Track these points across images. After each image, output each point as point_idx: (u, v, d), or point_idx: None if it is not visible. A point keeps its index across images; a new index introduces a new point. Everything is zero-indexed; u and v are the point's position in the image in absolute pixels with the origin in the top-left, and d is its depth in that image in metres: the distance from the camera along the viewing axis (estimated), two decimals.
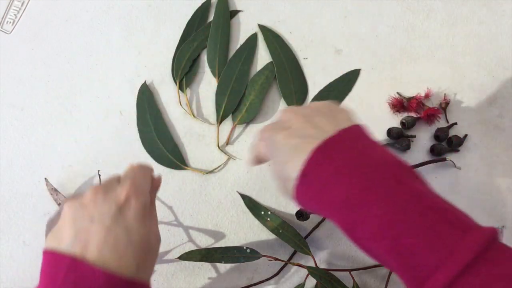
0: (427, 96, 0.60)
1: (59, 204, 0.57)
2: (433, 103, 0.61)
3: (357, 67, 0.63)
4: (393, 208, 0.33)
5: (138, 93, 0.62)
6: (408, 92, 0.61)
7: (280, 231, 0.56)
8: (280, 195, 0.42)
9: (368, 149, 0.36)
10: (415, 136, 0.60)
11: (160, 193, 0.59)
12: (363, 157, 0.35)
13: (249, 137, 0.61)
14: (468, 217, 0.34)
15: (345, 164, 0.35)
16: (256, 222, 0.58)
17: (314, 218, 0.57)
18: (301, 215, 0.56)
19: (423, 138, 0.60)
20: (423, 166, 0.58)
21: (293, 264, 0.56)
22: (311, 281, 0.54)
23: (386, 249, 0.33)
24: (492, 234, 0.32)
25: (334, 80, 0.62)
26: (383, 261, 0.35)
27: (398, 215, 0.32)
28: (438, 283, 0.31)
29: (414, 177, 0.35)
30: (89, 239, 0.36)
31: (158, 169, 0.60)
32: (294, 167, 0.36)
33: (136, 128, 0.61)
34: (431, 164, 0.59)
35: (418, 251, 0.32)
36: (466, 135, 0.60)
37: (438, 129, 0.59)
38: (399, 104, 0.60)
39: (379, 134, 0.61)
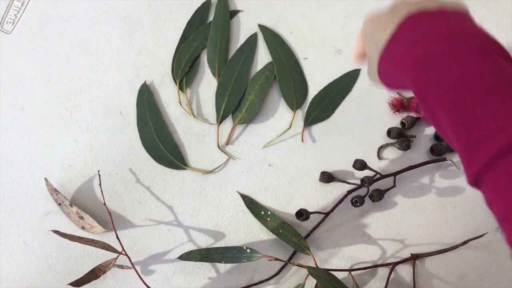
0: None
1: (59, 204, 0.57)
2: None
3: (357, 67, 0.63)
4: (469, 73, 0.33)
5: (138, 93, 0.62)
6: (408, 92, 0.61)
7: (280, 231, 0.56)
8: (370, 78, 0.42)
9: (465, 24, 0.37)
10: (415, 136, 0.60)
11: (160, 193, 0.59)
12: (457, 26, 0.36)
13: (249, 137, 0.61)
14: None
15: (435, 31, 0.35)
16: (256, 222, 0.58)
17: (314, 218, 0.57)
18: (301, 215, 0.56)
19: (423, 138, 0.60)
20: (423, 166, 0.58)
21: (293, 264, 0.56)
22: (311, 281, 0.54)
23: (451, 111, 0.33)
24: None
25: (334, 80, 0.62)
26: (440, 127, 0.35)
27: (473, 80, 0.33)
28: (495, 145, 0.31)
29: (501, 52, 0.36)
30: None
31: (158, 169, 0.60)
32: (385, 33, 0.37)
33: (136, 128, 0.61)
34: (431, 164, 0.59)
35: (481, 117, 0.32)
36: None
37: None
38: (399, 104, 0.60)
39: (379, 134, 0.61)
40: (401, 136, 0.59)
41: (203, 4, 0.65)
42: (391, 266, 0.56)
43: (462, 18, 0.38)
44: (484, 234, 0.56)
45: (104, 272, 0.54)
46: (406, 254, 0.58)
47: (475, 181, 0.34)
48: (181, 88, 0.62)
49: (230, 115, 0.61)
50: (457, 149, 0.35)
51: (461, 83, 0.33)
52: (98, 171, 0.58)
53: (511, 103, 0.32)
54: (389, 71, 0.39)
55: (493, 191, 0.33)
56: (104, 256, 0.56)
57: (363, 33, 0.43)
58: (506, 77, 0.33)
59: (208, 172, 0.59)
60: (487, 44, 0.35)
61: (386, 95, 0.61)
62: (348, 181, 0.58)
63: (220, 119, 0.61)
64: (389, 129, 0.60)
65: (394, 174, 0.58)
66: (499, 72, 0.33)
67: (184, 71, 0.62)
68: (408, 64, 0.35)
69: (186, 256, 0.55)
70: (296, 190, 0.59)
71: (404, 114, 0.61)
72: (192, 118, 0.61)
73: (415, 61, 0.35)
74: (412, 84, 0.36)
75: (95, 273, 0.54)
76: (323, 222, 0.57)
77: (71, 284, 0.54)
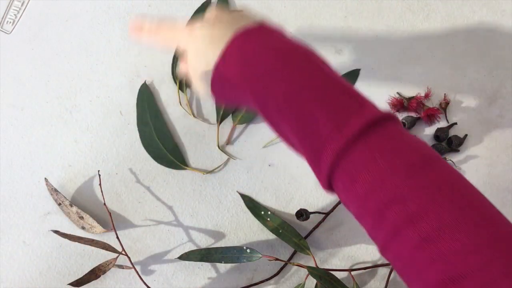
0: (427, 96, 0.60)
1: (59, 204, 0.57)
2: (433, 103, 0.61)
3: (357, 67, 0.63)
4: (300, 79, 0.35)
5: (138, 93, 0.62)
6: (408, 92, 0.61)
7: (280, 231, 0.56)
8: (199, 91, 0.43)
9: (287, 39, 0.39)
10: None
11: (160, 193, 0.59)
12: (281, 42, 0.38)
13: (249, 137, 0.61)
14: (370, 101, 0.35)
15: (263, 47, 0.37)
16: (256, 222, 0.58)
17: (314, 218, 0.57)
18: (301, 215, 0.56)
19: (423, 138, 0.60)
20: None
21: (293, 264, 0.56)
22: (311, 281, 0.54)
23: (291, 120, 0.35)
24: (389, 114, 0.34)
25: None
26: (288, 139, 0.37)
27: (305, 85, 0.35)
28: (333, 149, 0.32)
29: (323, 61, 0.37)
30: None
31: (158, 169, 0.60)
32: (215, 51, 0.38)
33: (136, 128, 0.61)
34: None
35: (318, 117, 0.33)
36: (466, 135, 0.60)
37: (438, 129, 0.59)
38: (399, 104, 0.60)
39: None
40: None
41: (203, 4, 0.65)
42: (391, 266, 0.56)
43: (281, 32, 0.39)
44: None
45: (104, 272, 0.54)
46: None
47: (328, 186, 0.35)
48: (181, 88, 0.62)
49: (230, 115, 0.61)
50: (305, 157, 0.36)
51: (294, 91, 0.35)
52: (98, 171, 0.58)
53: (344, 102, 0.34)
54: (223, 89, 0.40)
55: (343, 192, 0.34)
56: (104, 256, 0.56)
57: (188, 46, 0.42)
58: (333, 79, 0.35)
59: (208, 172, 0.59)
60: (310, 53, 0.37)
61: (386, 95, 0.61)
62: None
63: (220, 119, 0.61)
64: None
65: None
66: (326, 76, 0.35)
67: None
68: (244, 83, 0.37)
69: (186, 256, 0.55)
70: (296, 190, 0.59)
71: (404, 114, 0.61)
72: (192, 118, 0.61)
73: (250, 79, 0.36)
74: (253, 100, 0.37)
75: (95, 273, 0.54)
76: (323, 222, 0.57)
77: (71, 284, 0.54)
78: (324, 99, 0.34)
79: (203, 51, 0.40)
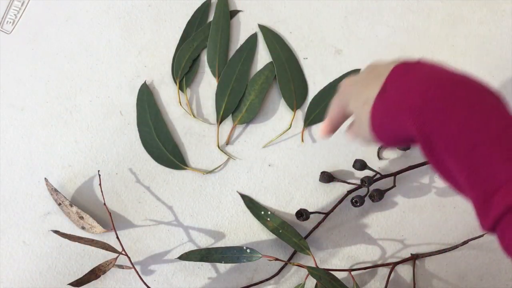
0: None
1: (59, 204, 0.57)
2: None
3: (357, 67, 0.63)
4: (472, 117, 0.32)
5: (138, 93, 0.62)
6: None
7: (280, 231, 0.56)
8: (363, 139, 0.43)
9: (450, 69, 0.36)
10: None
11: (160, 193, 0.59)
12: (445, 71, 0.35)
13: (249, 137, 0.61)
14: None
15: (427, 74, 0.35)
16: (256, 222, 0.58)
17: (314, 218, 0.57)
18: (301, 215, 0.56)
19: None
20: (423, 166, 0.58)
21: (293, 264, 0.56)
22: (311, 281, 0.54)
23: (459, 161, 0.32)
24: None
25: (334, 80, 0.62)
26: (450, 177, 0.35)
27: (477, 125, 0.32)
28: (509, 194, 0.30)
29: (495, 96, 0.34)
30: None
31: (158, 169, 0.60)
32: (374, 89, 0.37)
33: (136, 128, 0.61)
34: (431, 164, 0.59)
35: (492, 162, 0.31)
36: None
37: None
38: None
39: None
40: None
41: (203, 4, 0.65)
42: (391, 266, 0.56)
43: (441, 66, 0.37)
44: (484, 234, 0.56)
45: (104, 272, 0.54)
46: (406, 254, 0.58)
47: (492, 228, 0.33)
48: (181, 88, 0.62)
49: (230, 115, 0.61)
50: (471, 196, 0.34)
51: (468, 128, 0.32)
52: (98, 171, 0.58)
53: None
54: (384, 124, 0.37)
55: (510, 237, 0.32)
56: (104, 256, 0.56)
57: (342, 96, 0.42)
58: (505, 117, 0.33)
59: (208, 172, 0.59)
60: (477, 85, 0.34)
61: None
62: (348, 181, 0.58)
63: (220, 119, 0.61)
64: None
65: (394, 174, 0.58)
66: (502, 116, 0.33)
67: (184, 71, 0.62)
68: (407, 113, 0.34)
69: (186, 256, 0.55)
70: (296, 190, 0.59)
71: None
72: (192, 118, 0.61)
73: (413, 109, 0.34)
74: (417, 133, 0.34)
75: (95, 273, 0.54)
76: (323, 222, 0.57)
77: (71, 284, 0.54)
78: (500, 145, 0.32)
79: (362, 92, 0.39)
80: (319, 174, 0.59)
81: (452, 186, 0.36)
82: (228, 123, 0.61)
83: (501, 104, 0.34)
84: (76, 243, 0.54)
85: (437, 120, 0.33)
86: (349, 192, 0.58)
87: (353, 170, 0.58)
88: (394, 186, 0.57)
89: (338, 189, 0.59)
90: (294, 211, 0.57)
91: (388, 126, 0.37)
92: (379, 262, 0.57)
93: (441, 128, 0.33)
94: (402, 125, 0.35)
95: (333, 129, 0.45)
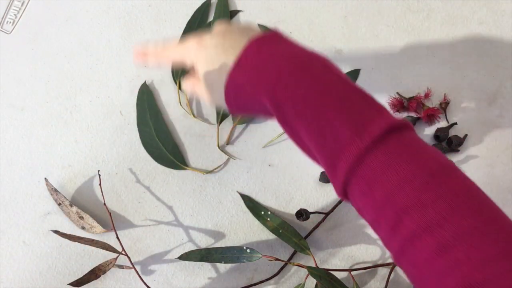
0: (427, 96, 0.60)
1: (59, 204, 0.57)
2: (433, 103, 0.61)
3: (357, 67, 0.63)
4: (319, 85, 0.35)
5: (138, 93, 0.62)
6: (408, 92, 0.61)
7: (280, 231, 0.56)
8: (211, 102, 0.45)
9: (302, 46, 0.40)
10: None
11: (160, 193, 0.59)
12: (297, 48, 0.39)
13: (249, 137, 0.61)
14: (386, 108, 0.36)
15: (280, 52, 0.37)
16: (256, 222, 0.58)
17: (314, 218, 0.57)
18: (301, 215, 0.56)
19: (423, 138, 0.60)
20: None
21: (293, 264, 0.56)
22: (311, 281, 0.54)
23: (309, 126, 0.35)
24: (407, 122, 0.34)
25: None
26: (303, 144, 0.37)
27: (323, 91, 0.35)
28: (352, 154, 0.33)
29: (339, 69, 0.38)
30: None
31: (158, 169, 0.60)
32: (228, 58, 0.39)
33: (136, 128, 0.61)
34: None
35: (337, 124, 0.33)
36: (466, 135, 0.60)
37: (438, 129, 0.59)
38: (399, 104, 0.60)
39: None
40: None
41: (203, 4, 0.65)
42: (391, 266, 0.56)
43: (294, 41, 0.40)
44: None
45: (104, 272, 0.54)
46: None
47: (343, 192, 0.35)
48: (181, 88, 0.62)
49: (230, 115, 0.61)
50: (321, 163, 0.36)
51: (313, 96, 0.35)
52: (98, 171, 0.58)
53: (363, 109, 0.34)
54: (237, 97, 0.40)
55: (360, 198, 0.34)
56: (104, 256, 0.56)
57: (194, 50, 0.43)
58: (350, 86, 0.36)
59: (208, 172, 0.59)
60: (326, 60, 0.38)
61: (386, 95, 0.61)
62: None
63: (220, 119, 0.61)
64: None
65: None
66: (344, 82, 0.36)
67: (184, 71, 0.62)
68: (259, 88, 0.37)
69: (186, 256, 0.55)
70: (296, 190, 0.59)
71: (404, 114, 0.61)
72: (192, 118, 0.61)
73: (266, 84, 0.37)
74: (270, 105, 0.37)
75: (95, 273, 0.54)
76: (323, 222, 0.57)
77: (71, 284, 0.54)
78: (343, 105, 0.34)
79: (215, 59, 0.40)
80: (319, 174, 0.59)
81: (307, 155, 0.38)
82: (228, 123, 0.61)
83: (341, 72, 0.37)
84: (76, 243, 0.54)
85: (288, 90, 0.36)
86: None
87: None
88: None
89: None
90: (294, 211, 0.57)
91: (243, 99, 0.40)
92: (379, 262, 0.57)
93: (291, 97, 0.36)
94: (257, 98, 0.38)
95: (155, 62, 0.46)
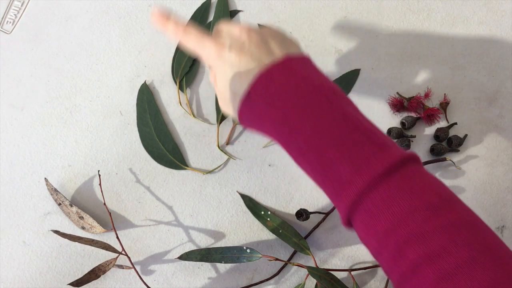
0: (427, 96, 0.60)
1: (59, 204, 0.57)
2: (433, 103, 0.61)
3: (357, 67, 0.63)
4: (321, 126, 0.36)
5: (138, 93, 0.62)
6: (408, 92, 0.61)
7: (280, 231, 0.56)
8: (224, 111, 0.45)
9: (311, 77, 0.39)
10: (415, 136, 0.60)
11: (160, 193, 0.59)
12: (305, 82, 0.38)
13: (249, 137, 0.61)
14: (391, 141, 0.37)
15: (287, 88, 0.38)
16: (256, 222, 0.58)
17: (314, 218, 0.57)
18: (301, 215, 0.56)
19: (423, 138, 0.60)
20: (423, 166, 0.58)
21: (293, 264, 0.56)
22: (311, 281, 0.54)
23: (313, 164, 0.37)
24: (411, 155, 0.36)
25: (334, 80, 0.62)
26: (314, 179, 0.39)
27: (325, 132, 0.36)
28: (353, 191, 0.34)
29: (346, 101, 0.38)
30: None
31: (158, 169, 0.60)
32: (242, 86, 0.39)
33: (136, 128, 0.61)
34: (431, 164, 0.59)
35: (338, 163, 0.35)
36: (466, 135, 0.60)
37: (438, 129, 0.59)
38: (399, 104, 0.60)
39: None
40: (401, 136, 0.59)
41: (203, 4, 0.65)
42: None
43: (307, 65, 0.40)
44: None
45: (104, 272, 0.54)
46: None
47: (348, 224, 0.37)
48: (181, 88, 0.62)
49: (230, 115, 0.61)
50: (325, 194, 0.38)
51: (315, 138, 0.36)
52: (98, 171, 0.58)
53: (360, 148, 0.35)
54: (250, 122, 0.41)
55: (363, 230, 0.36)
56: (104, 256, 0.56)
57: (217, 67, 0.42)
58: (353, 122, 0.37)
59: (208, 172, 0.59)
60: (331, 93, 0.38)
61: (386, 95, 0.61)
62: None
63: (220, 119, 0.61)
64: (389, 129, 0.60)
65: None
66: (346, 119, 0.37)
67: (184, 71, 0.62)
68: (268, 123, 0.39)
69: (186, 256, 0.55)
70: (296, 190, 0.59)
71: (404, 114, 0.61)
72: (192, 118, 0.61)
73: (275, 123, 0.38)
74: (277, 141, 0.39)
75: (95, 273, 0.54)
76: (323, 222, 0.57)
77: (71, 284, 0.54)
78: (345, 144, 0.35)
79: (230, 80, 0.40)
80: None
81: (315, 181, 0.39)
82: (228, 123, 0.61)
83: (352, 109, 0.38)
84: (76, 243, 0.54)
85: (292, 135, 0.37)
86: None
87: None
88: None
89: None
90: (294, 211, 0.57)
91: (254, 126, 0.42)
92: None
93: (295, 141, 0.37)
94: (265, 130, 0.40)
95: (172, 35, 0.45)
